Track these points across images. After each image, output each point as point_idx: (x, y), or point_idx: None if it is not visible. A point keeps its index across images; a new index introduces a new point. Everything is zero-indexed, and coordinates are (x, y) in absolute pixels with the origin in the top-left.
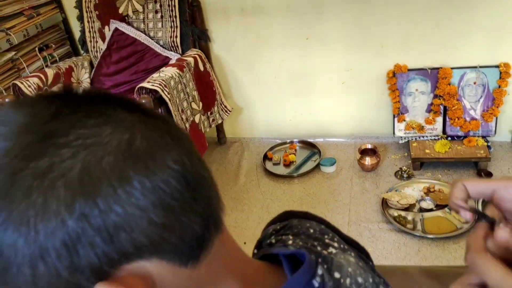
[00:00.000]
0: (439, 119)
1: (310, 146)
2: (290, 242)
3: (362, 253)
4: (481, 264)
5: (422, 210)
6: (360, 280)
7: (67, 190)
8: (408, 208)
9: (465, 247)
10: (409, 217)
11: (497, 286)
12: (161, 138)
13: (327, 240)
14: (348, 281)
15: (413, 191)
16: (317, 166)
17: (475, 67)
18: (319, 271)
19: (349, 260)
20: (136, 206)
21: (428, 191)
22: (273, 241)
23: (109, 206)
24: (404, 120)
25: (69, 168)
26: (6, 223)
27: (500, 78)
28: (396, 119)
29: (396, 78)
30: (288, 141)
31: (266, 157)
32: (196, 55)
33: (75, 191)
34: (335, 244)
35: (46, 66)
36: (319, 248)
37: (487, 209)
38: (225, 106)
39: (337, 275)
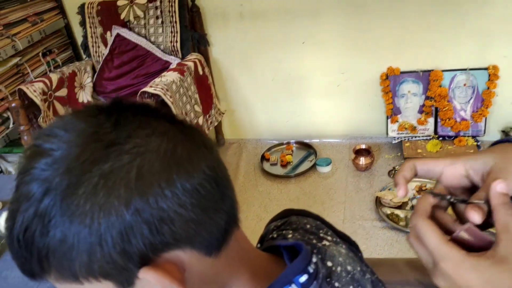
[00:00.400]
0: (431, 120)
1: (306, 147)
2: (290, 236)
3: (352, 246)
4: (421, 228)
5: (414, 208)
6: (349, 268)
7: (126, 190)
8: (401, 206)
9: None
10: (402, 215)
11: (431, 250)
12: (197, 147)
13: (321, 234)
14: (339, 269)
15: None
16: (313, 166)
17: (465, 69)
18: (314, 259)
19: (340, 251)
20: (178, 204)
21: (420, 190)
22: (275, 235)
23: (157, 203)
24: (397, 121)
25: (127, 172)
26: (74, 216)
27: (489, 80)
28: (389, 120)
29: (389, 81)
30: (285, 142)
31: (263, 158)
32: (196, 59)
33: (132, 190)
34: (329, 238)
35: (50, 71)
36: (314, 241)
37: (435, 186)
38: (219, 109)
39: (329, 263)
